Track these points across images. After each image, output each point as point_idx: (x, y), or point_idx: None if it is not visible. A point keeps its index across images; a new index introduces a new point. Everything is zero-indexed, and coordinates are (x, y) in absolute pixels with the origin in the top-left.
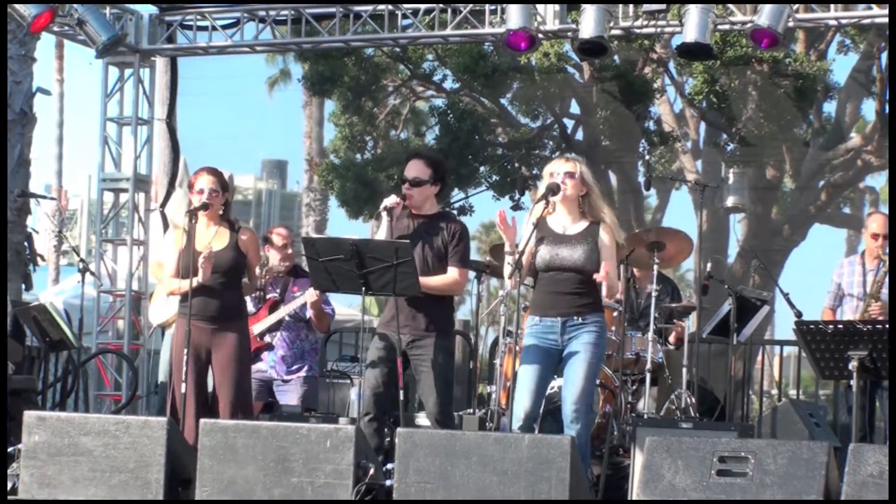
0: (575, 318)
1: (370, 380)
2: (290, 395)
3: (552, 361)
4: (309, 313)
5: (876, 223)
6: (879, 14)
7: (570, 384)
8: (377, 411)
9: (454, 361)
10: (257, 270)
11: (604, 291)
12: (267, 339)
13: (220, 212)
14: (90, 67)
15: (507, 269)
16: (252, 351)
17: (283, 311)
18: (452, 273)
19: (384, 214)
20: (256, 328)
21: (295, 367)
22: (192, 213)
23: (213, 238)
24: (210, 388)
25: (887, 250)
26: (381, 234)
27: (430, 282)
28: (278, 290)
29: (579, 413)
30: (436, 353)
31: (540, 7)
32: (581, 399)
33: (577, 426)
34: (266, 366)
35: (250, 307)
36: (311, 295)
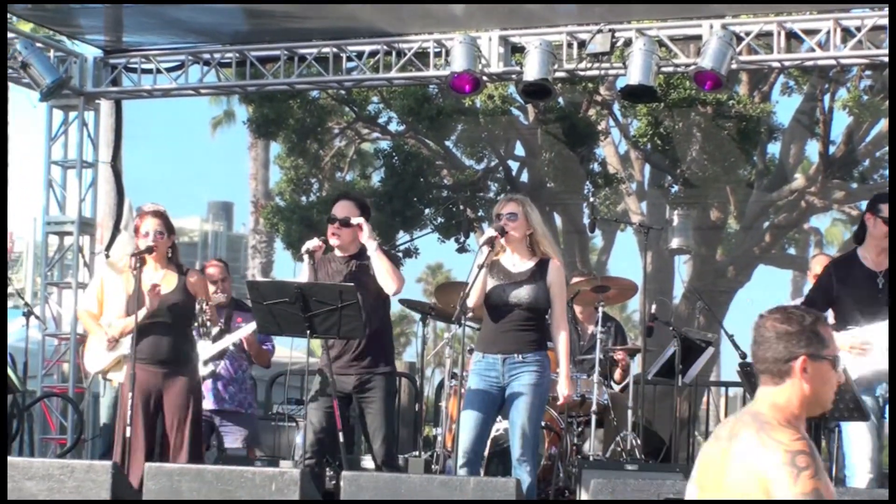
0: (516, 356)
1: (312, 422)
2: (232, 437)
3: (494, 399)
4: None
5: (819, 265)
6: (822, 56)
7: (515, 427)
8: (318, 453)
9: (396, 401)
10: (198, 307)
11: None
12: (211, 366)
13: (168, 255)
14: (34, 110)
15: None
16: None
17: (229, 340)
18: None
19: (306, 257)
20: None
21: (238, 398)
22: (138, 257)
23: (161, 281)
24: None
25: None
26: (304, 277)
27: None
28: (222, 320)
29: (525, 456)
30: (383, 395)
31: (484, 49)
32: (526, 442)
33: (524, 468)
34: (209, 396)
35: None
36: (245, 330)
